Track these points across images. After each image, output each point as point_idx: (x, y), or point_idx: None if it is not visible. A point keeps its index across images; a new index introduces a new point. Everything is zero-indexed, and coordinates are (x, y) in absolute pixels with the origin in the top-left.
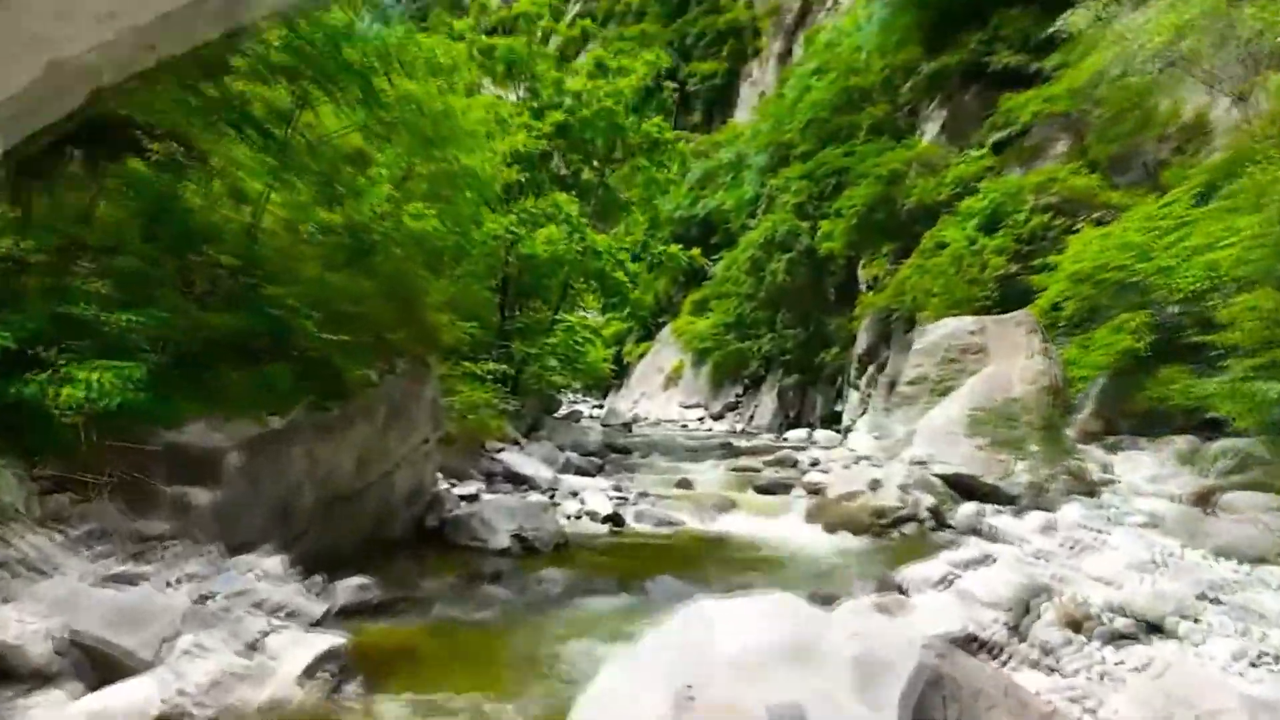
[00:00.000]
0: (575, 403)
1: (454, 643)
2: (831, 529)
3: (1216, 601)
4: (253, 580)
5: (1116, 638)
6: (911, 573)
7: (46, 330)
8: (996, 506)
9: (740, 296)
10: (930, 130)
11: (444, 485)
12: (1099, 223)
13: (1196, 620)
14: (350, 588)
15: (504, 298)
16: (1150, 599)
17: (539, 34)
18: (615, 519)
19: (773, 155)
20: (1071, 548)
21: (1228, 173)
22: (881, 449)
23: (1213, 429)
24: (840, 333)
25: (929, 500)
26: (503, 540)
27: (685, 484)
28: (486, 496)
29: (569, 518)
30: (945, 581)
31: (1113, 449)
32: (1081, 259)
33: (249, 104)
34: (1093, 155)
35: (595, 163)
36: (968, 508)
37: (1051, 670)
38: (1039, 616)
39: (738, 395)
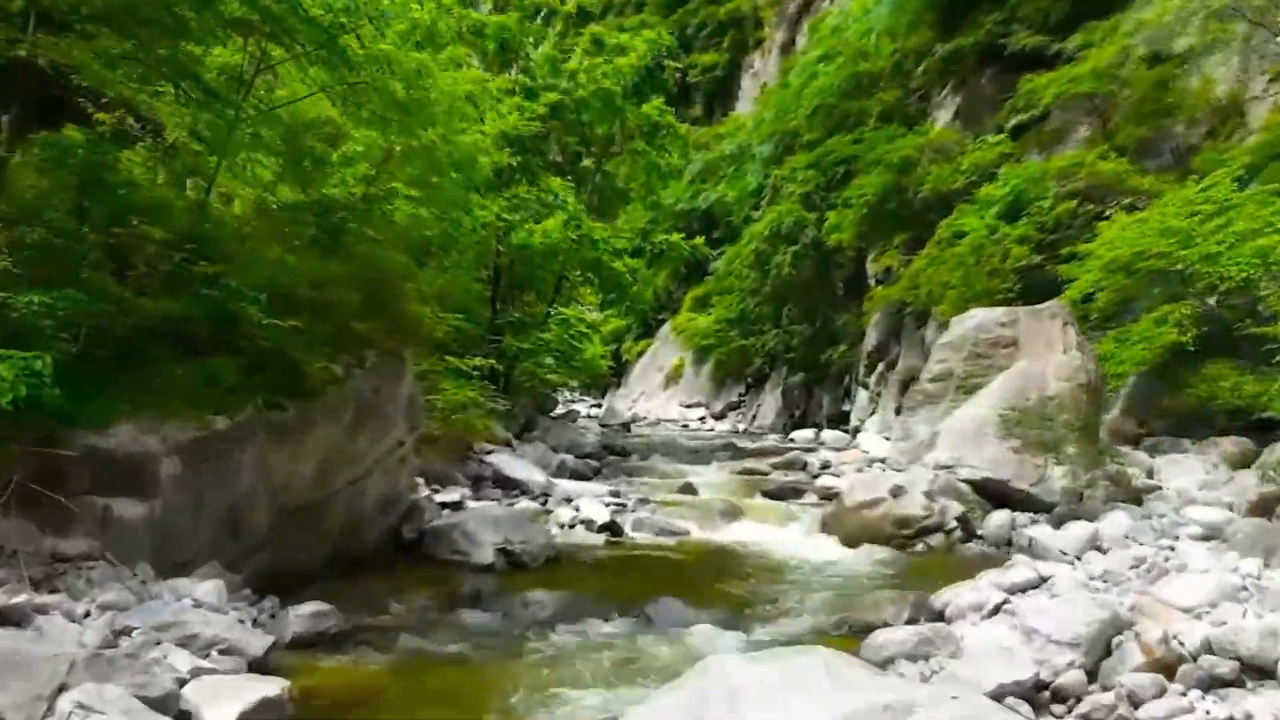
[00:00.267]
0: (572, 402)
1: (421, 683)
2: (850, 540)
3: None
4: (184, 609)
5: (1218, 684)
6: (954, 597)
7: None
8: (1031, 515)
9: (743, 292)
10: (943, 116)
11: (425, 492)
12: (1130, 209)
13: None
14: (304, 616)
15: (495, 290)
16: (1260, 636)
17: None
18: (612, 528)
19: (777, 145)
20: (1147, 570)
21: (1271, 155)
22: (898, 450)
23: (1264, 430)
24: (848, 329)
25: (956, 508)
26: (486, 554)
27: (688, 489)
28: (472, 504)
29: (562, 527)
30: (997, 610)
31: (1152, 451)
32: (1118, 246)
33: (198, 64)
34: (1120, 139)
35: (593, 149)
36: (999, 516)
37: None
38: (1120, 658)
39: (740, 394)
